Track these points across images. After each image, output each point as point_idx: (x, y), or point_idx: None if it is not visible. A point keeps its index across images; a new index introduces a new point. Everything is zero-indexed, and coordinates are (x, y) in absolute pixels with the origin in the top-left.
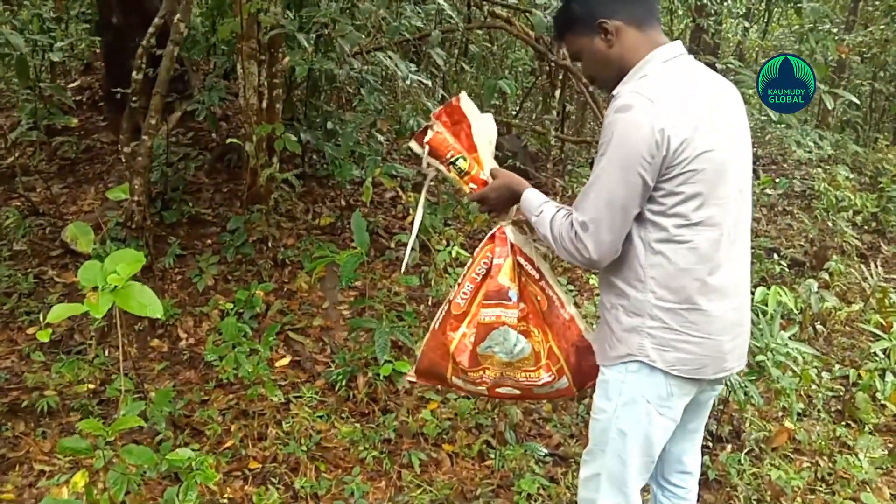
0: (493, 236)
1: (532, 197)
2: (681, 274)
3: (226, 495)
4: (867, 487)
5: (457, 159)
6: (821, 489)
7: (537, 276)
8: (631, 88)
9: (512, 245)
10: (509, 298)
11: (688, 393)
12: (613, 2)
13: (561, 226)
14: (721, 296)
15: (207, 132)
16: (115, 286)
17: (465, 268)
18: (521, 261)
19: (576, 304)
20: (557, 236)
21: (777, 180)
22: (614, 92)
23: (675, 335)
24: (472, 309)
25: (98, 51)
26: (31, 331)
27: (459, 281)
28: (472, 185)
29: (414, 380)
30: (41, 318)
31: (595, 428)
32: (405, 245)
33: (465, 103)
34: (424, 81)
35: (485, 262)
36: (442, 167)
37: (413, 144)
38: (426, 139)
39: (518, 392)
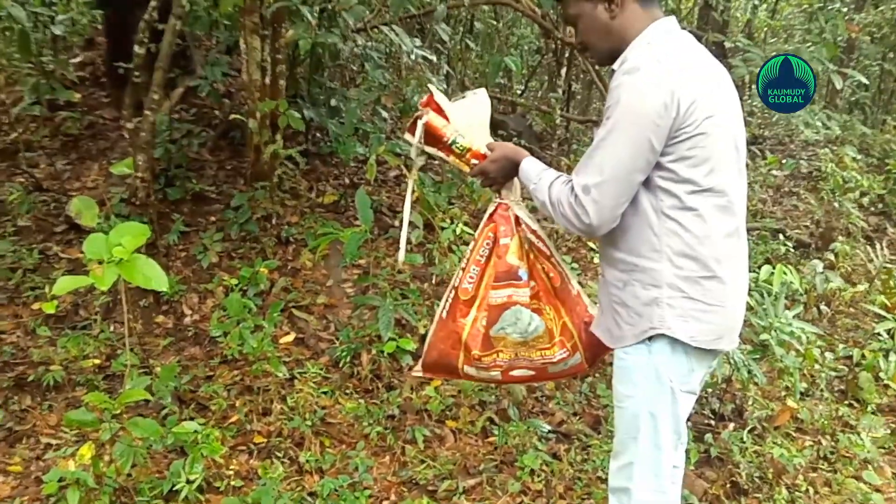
0: (492, 216)
1: (530, 166)
2: (696, 241)
3: (231, 468)
4: (869, 466)
5: (455, 139)
6: (823, 467)
7: (549, 253)
8: (638, 53)
9: (517, 220)
10: (520, 277)
11: (706, 366)
12: None
13: (560, 191)
14: (734, 263)
15: (210, 109)
16: (120, 259)
17: (468, 251)
18: (532, 238)
19: (579, 283)
20: (556, 201)
21: (783, 161)
22: (621, 56)
23: (694, 304)
24: (481, 292)
25: (99, 26)
26: (36, 306)
27: (464, 265)
28: (474, 161)
29: (420, 374)
30: (47, 293)
31: (623, 416)
32: (409, 223)
33: (438, 96)
34: (429, 57)
35: (487, 243)
36: (441, 153)
37: (407, 136)
38: (422, 121)
39: (532, 373)
